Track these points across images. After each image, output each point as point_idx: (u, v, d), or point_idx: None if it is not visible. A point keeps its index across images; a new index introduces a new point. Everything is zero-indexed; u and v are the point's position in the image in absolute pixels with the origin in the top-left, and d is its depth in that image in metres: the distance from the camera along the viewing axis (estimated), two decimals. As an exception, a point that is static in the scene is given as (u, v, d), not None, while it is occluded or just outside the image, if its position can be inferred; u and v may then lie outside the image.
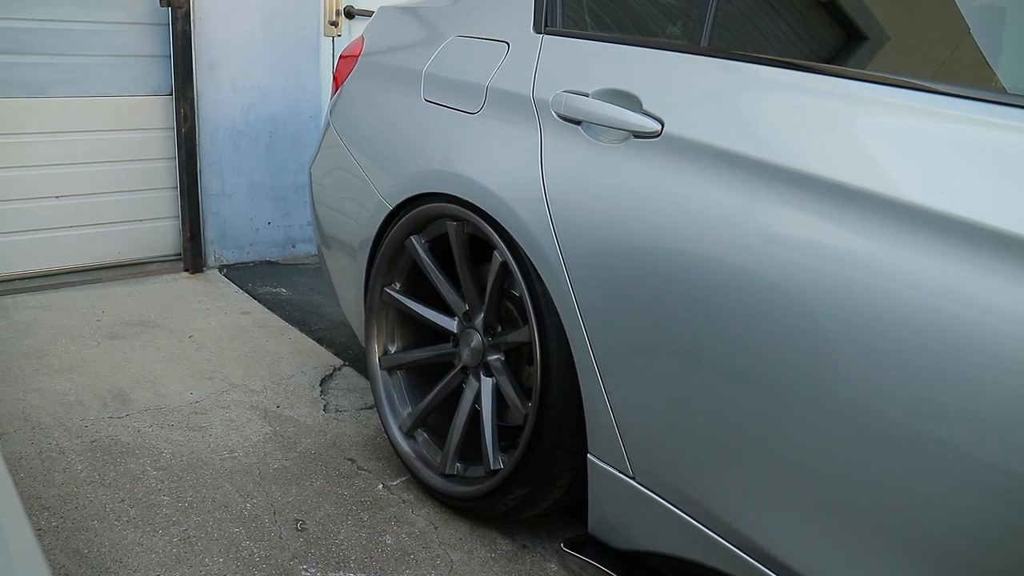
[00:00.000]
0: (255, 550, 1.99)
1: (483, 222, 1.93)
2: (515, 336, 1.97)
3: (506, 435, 2.09)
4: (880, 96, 1.37)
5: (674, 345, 1.56)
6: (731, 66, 1.57)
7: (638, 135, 1.63)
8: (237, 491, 2.20)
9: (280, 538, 2.03)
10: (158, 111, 3.78)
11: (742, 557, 1.53)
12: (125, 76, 3.67)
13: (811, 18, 1.65)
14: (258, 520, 2.09)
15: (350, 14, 4.13)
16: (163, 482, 2.23)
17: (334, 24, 4.10)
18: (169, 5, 3.61)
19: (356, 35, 4.05)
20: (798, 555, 1.44)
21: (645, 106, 1.64)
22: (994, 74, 1.35)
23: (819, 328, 1.34)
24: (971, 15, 1.40)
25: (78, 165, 3.64)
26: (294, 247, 4.24)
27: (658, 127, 1.59)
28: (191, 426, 2.52)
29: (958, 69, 1.37)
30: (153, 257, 3.92)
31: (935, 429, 1.23)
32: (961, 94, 1.29)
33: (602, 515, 1.83)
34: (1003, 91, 1.30)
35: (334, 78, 2.63)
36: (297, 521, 2.10)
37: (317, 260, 4.13)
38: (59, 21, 3.47)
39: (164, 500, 2.15)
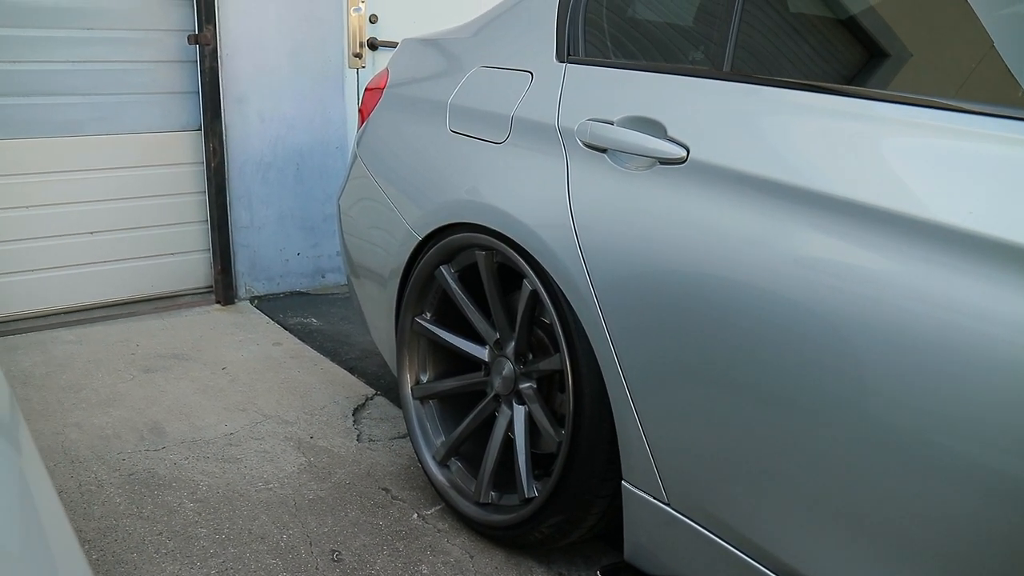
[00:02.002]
0: (292, 582, 2.00)
1: (512, 251, 1.94)
2: (546, 364, 1.98)
3: (540, 463, 2.09)
4: (905, 116, 1.37)
5: (705, 369, 1.56)
6: (754, 90, 1.58)
7: (664, 161, 1.64)
8: (273, 522, 2.22)
9: (317, 569, 2.04)
10: (188, 146, 3.84)
11: (780, 583, 1.53)
12: (155, 113, 3.74)
13: (832, 39, 1.65)
14: (294, 551, 2.10)
15: (373, 46, 4.18)
16: (200, 514, 2.25)
17: (358, 56, 4.15)
18: (197, 42, 3.68)
19: (380, 66, 4.10)
20: (837, 580, 1.43)
21: (670, 132, 1.65)
22: (1021, 88, 1.35)
23: (850, 349, 1.34)
24: (994, 28, 1.40)
25: (111, 201, 3.71)
26: (324, 277, 4.28)
27: (683, 153, 1.60)
28: (226, 458, 2.54)
29: (983, 85, 1.37)
30: (185, 290, 3.97)
31: (972, 451, 1.22)
32: (987, 112, 1.29)
33: (637, 542, 1.82)
34: (1031, 108, 1.29)
35: (360, 110, 2.66)
36: (333, 552, 2.11)
37: (347, 290, 4.16)
38: (92, 61, 3.55)
39: (201, 532, 2.17)
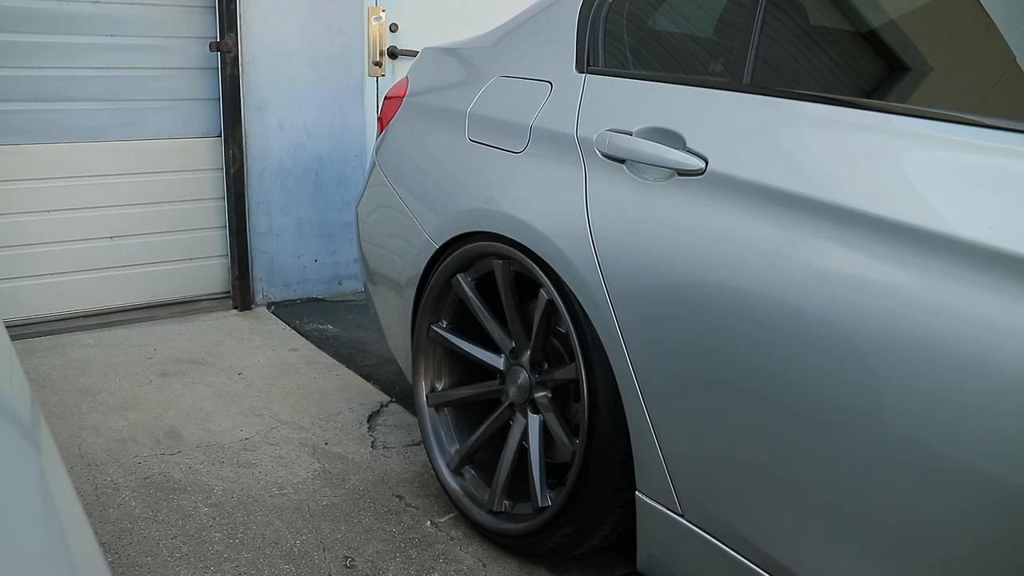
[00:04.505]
0: (305, 587, 2.00)
1: (529, 260, 1.95)
2: (562, 373, 1.98)
3: (554, 472, 2.09)
4: (924, 130, 1.36)
5: (721, 380, 1.56)
6: (774, 103, 1.58)
7: (682, 173, 1.64)
8: (287, 528, 2.23)
9: (329, 575, 2.04)
10: (208, 152, 3.87)
11: (795, 597, 1.52)
12: (177, 119, 3.77)
13: (852, 52, 1.65)
14: (308, 557, 2.11)
15: (393, 54, 4.20)
16: (214, 519, 2.26)
17: (378, 64, 4.17)
18: (218, 50, 3.71)
19: (400, 75, 4.12)
20: (852, 595, 1.42)
21: (689, 144, 1.65)
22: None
23: (867, 362, 1.34)
24: (1016, 42, 1.39)
25: (131, 206, 3.74)
26: (340, 284, 4.30)
27: (702, 165, 1.60)
28: (241, 463, 2.55)
29: (1005, 99, 1.37)
30: (203, 295, 4.00)
31: (988, 465, 1.22)
32: (1009, 127, 1.28)
33: (651, 553, 1.82)
34: (1052, 124, 1.29)
35: (379, 119, 2.68)
36: (346, 558, 2.11)
37: (363, 297, 4.17)
38: (115, 68, 3.59)
39: (215, 536, 2.18)
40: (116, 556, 2.09)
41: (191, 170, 3.85)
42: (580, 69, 1.98)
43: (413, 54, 4.10)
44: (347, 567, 2.08)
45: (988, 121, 1.31)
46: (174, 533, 2.19)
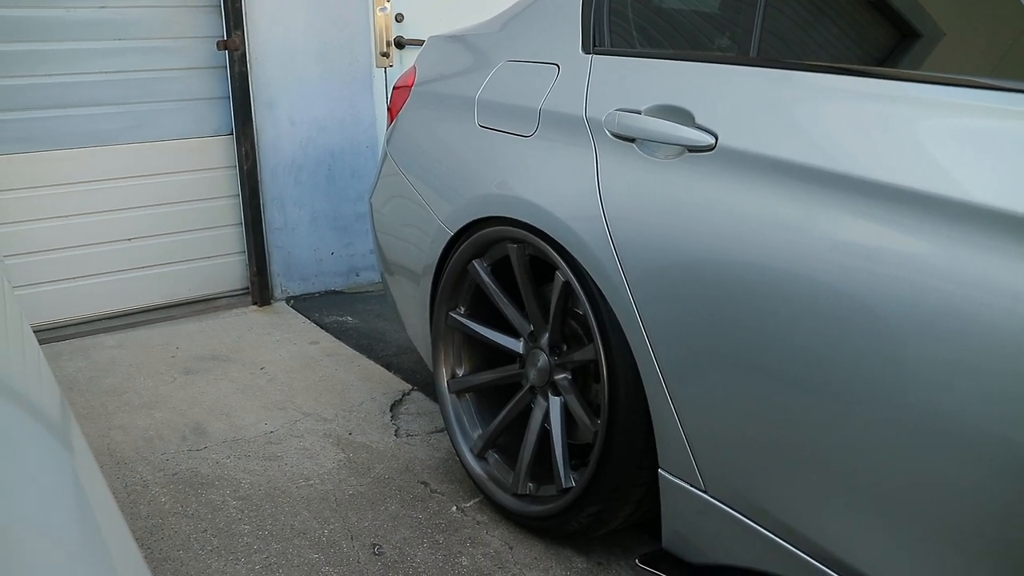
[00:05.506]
0: (334, 575, 2.03)
1: (543, 243, 1.95)
2: (581, 354, 1.99)
3: (576, 453, 2.10)
4: (938, 97, 1.36)
5: (741, 356, 1.57)
6: (782, 75, 1.57)
7: (692, 149, 1.64)
8: (315, 518, 2.25)
9: (358, 563, 2.07)
10: (220, 151, 3.89)
11: (818, 567, 1.52)
12: (187, 119, 3.79)
13: (861, 20, 1.64)
14: (336, 546, 2.13)
15: (400, 44, 4.20)
16: (243, 511, 2.29)
17: (385, 55, 4.18)
18: (226, 48, 3.73)
19: (407, 65, 4.12)
20: (875, 564, 1.43)
21: (698, 120, 1.65)
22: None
23: (888, 333, 1.34)
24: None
25: (147, 208, 3.77)
26: (358, 276, 4.32)
27: (712, 140, 1.60)
28: (267, 456, 2.58)
29: (1020, 63, 1.35)
30: (222, 292, 4.03)
31: (1013, 433, 1.22)
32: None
33: (675, 530, 1.83)
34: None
35: (389, 109, 2.68)
36: (374, 545, 2.14)
37: (381, 287, 4.19)
38: (124, 72, 3.61)
39: (245, 529, 2.21)
40: (149, 551, 2.12)
41: (204, 169, 3.87)
42: (586, 50, 1.98)
43: (420, 43, 4.10)
44: (375, 554, 2.11)
45: (1003, 84, 1.30)
46: (204, 527, 2.22)
